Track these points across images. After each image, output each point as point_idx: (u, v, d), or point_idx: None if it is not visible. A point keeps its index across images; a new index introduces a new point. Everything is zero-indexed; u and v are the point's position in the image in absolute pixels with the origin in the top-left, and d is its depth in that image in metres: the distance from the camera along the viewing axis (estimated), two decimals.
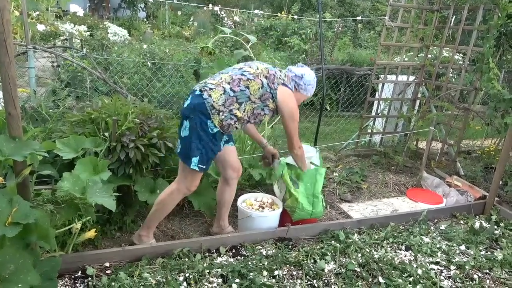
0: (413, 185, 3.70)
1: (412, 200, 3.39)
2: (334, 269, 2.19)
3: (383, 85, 4.38)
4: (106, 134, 2.43)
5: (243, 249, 2.34)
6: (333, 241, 2.48)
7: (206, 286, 1.97)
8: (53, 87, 3.14)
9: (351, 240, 2.46)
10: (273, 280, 2.05)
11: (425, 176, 3.68)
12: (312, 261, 2.25)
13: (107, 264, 2.08)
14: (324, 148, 4.24)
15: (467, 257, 2.42)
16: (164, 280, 1.96)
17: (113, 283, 1.88)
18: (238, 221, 2.71)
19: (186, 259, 2.16)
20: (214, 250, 2.31)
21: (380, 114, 4.44)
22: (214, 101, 2.12)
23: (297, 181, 2.54)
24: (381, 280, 2.11)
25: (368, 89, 4.35)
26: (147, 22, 11.64)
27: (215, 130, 2.16)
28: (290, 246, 2.42)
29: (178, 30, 10.50)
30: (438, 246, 2.51)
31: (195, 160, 2.16)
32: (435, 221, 2.95)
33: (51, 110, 2.90)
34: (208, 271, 2.07)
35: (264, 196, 2.80)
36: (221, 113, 2.14)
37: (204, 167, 2.22)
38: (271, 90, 2.24)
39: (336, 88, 6.20)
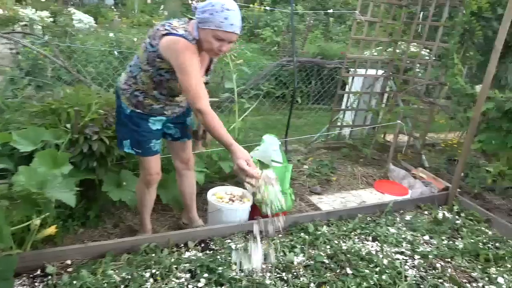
0: (381, 177, 3.78)
1: (379, 192, 3.46)
2: (303, 261, 2.20)
3: (352, 79, 4.43)
4: (68, 125, 2.32)
5: (212, 243, 2.31)
6: (302, 233, 2.49)
7: (173, 282, 1.93)
8: (11, 75, 2.96)
9: (320, 232, 2.49)
10: (242, 274, 2.03)
11: (392, 168, 3.77)
12: (282, 254, 2.25)
13: (69, 262, 1.99)
14: (295, 141, 4.26)
15: (430, 247, 2.50)
16: (129, 277, 1.90)
17: (74, 282, 1.80)
18: (208, 215, 2.67)
19: (153, 255, 2.11)
20: (182, 245, 2.26)
21: (349, 108, 4.50)
22: (120, 81, 2.10)
23: None
24: (348, 271, 2.13)
25: (338, 83, 4.40)
26: (115, 9, 11.23)
27: (128, 111, 2.07)
28: (260, 238, 2.41)
29: (148, 18, 10.19)
30: (403, 236, 2.58)
31: (126, 142, 2.12)
32: (401, 212, 3.02)
33: (9, 100, 2.73)
34: (175, 266, 2.03)
35: (234, 189, 2.77)
36: (125, 92, 2.06)
37: (140, 151, 2.14)
38: (154, 47, 1.87)
39: (308, 81, 6.24)
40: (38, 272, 1.89)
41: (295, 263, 2.18)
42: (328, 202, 3.22)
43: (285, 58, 5.44)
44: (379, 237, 2.53)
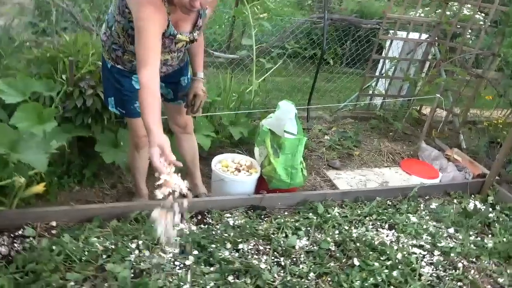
0: (409, 156, 3.44)
1: (405, 172, 3.15)
2: (306, 246, 1.99)
3: (391, 42, 3.95)
4: (64, 76, 2.13)
5: (209, 216, 2.13)
6: (310, 214, 2.26)
7: (161, 254, 1.78)
8: (16, 17, 2.77)
9: (330, 215, 2.25)
10: (236, 255, 1.85)
11: (424, 146, 3.40)
12: (284, 235, 2.05)
13: (54, 224, 1.88)
14: (320, 107, 3.93)
15: (454, 242, 2.21)
16: (113, 246, 1.77)
17: (53, 247, 1.68)
18: (212, 184, 2.49)
19: (144, 224, 1.96)
20: (191, 214, 2.10)
21: (384, 75, 4.06)
22: (101, 31, 1.86)
23: (278, 150, 2.28)
24: (355, 262, 1.91)
25: (374, 46, 3.94)
26: None
27: (109, 65, 1.85)
28: (262, 216, 2.21)
29: None
30: (424, 227, 2.30)
31: (111, 100, 1.92)
32: (427, 198, 2.71)
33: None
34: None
35: (242, 158, 2.56)
36: (105, 44, 1.82)
37: (124, 111, 1.94)
38: None
39: (341, 42, 5.72)
40: (20, 231, 1.79)
41: (297, 247, 1.97)
42: (346, 179, 2.95)
43: (315, 15, 4.95)
44: (397, 226, 2.26)
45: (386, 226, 2.27)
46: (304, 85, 4.96)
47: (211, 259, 1.78)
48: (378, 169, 3.19)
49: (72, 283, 1.55)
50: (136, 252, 1.78)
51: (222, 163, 2.50)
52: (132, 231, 1.89)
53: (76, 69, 2.08)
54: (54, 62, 2.17)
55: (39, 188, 1.91)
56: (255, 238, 1.99)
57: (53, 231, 1.84)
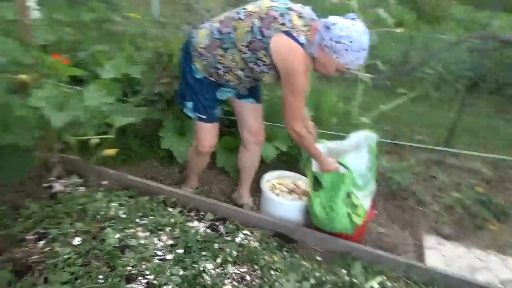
0: None
1: None
2: None
3: None
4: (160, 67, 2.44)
5: (225, 224, 1.99)
6: (343, 271, 1.79)
7: (155, 239, 1.81)
8: None
9: (360, 284, 1.71)
10: (215, 272, 1.68)
11: None
12: (286, 280, 1.70)
13: (106, 182, 2.19)
14: (476, 155, 2.97)
15: None
16: (124, 216, 1.92)
17: (84, 198, 1.97)
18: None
19: (165, 208, 2.03)
20: (203, 213, 2.07)
21: None
22: (198, 42, 1.78)
23: (322, 182, 1.90)
24: None
25: None
26: None
27: (199, 76, 1.84)
28: (285, 249, 1.90)
29: None
30: None
31: (189, 104, 1.94)
32: None
33: None
34: (170, 228, 1.90)
35: (303, 182, 2.27)
36: (203, 57, 1.77)
37: (204, 117, 1.94)
38: (263, 37, 1.63)
39: None
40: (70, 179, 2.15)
41: None
42: (448, 254, 2.16)
43: (477, 33, 3.64)
44: None
45: None
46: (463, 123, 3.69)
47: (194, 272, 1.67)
48: None
49: (72, 230, 1.78)
50: (139, 228, 1.87)
51: (280, 180, 2.29)
52: (150, 210, 1.99)
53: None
54: (157, 54, 2.50)
55: (111, 151, 2.28)
56: (252, 266, 1.75)
57: (101, 188, 2.15)
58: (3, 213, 1.84)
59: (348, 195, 1.88)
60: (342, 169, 1.87)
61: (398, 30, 2.47)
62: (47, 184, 2.10)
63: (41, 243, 1.70)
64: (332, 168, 1.89)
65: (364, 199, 1.95)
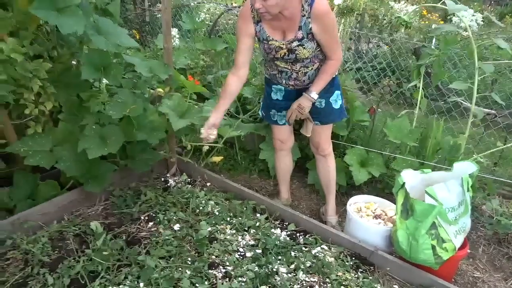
0: None
1: None
2: None
3: None
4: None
5: (305, 236, 2.08)
6: None
7: (239, 237, 2.02)
8: None
9: None
10: (287, 276, 1.79)
11: None
12: None
13: (208, 184, 2.52)
14: None
15: None
16: (218, 213, 2.18)
17: (188, 194, 2.32)
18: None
19: (258, 214, 2.24)
20: (286, 223, 2.21)
21: None
22: None
23: (410, 211, 1.85)
24: None
25: None
26: None
27: (266, 75, 2.18)
28: (361, 270, 1.90)
29: None
30: None
31: (262, 102, 2.30)
32: None
33: None
34: (253, 230, 2.08)
35: (393, 209, 2.22)
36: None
37: (264, 114, 2.25)
38: None
39: None
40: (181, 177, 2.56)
41: None
42: None
43: None
44: None
45: None
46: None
47: (263, 261, 1.83)
48: None
49: (175, 217, 2.13)
50: (227, 226, 2.11)
51: (368, 204, 2.28)
52: (238, 212, 2.22)
53: None
54: None
55: (217, 158, 2.62)
56: (322, 278, 1.81)
57: (204, 188, 2.48)
58: (129, 196, 2.30)
59: (436, 227, 1.79)
60: (429, 200, 1.80)
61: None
62: (163, 179, 2.53)
63: (150, 223, 2.08)
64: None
65: (453, 234, 1.82)
